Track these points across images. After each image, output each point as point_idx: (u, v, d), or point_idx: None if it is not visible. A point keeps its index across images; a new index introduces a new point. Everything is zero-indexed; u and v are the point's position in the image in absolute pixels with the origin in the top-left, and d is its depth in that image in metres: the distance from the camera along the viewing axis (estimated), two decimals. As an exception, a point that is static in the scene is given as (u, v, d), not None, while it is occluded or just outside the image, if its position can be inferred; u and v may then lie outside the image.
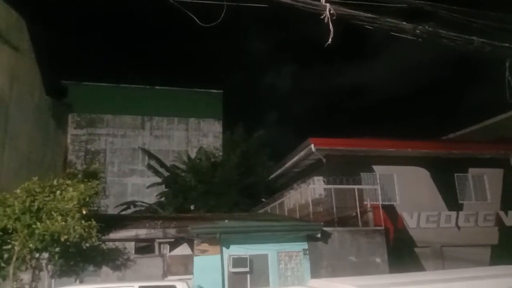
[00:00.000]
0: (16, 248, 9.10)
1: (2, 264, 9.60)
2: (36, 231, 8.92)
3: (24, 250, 9.18)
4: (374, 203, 14.30)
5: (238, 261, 11.58)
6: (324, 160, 15.60)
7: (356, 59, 71.53)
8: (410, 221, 15.50)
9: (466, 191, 16.71)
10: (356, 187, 14.08)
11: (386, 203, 15.22)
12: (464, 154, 16.57)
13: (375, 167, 15.93)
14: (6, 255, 9.47)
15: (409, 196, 15.75)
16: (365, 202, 14.22)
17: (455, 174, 16.69)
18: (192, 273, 11.53)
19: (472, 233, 15.80)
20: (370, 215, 13.89)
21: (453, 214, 16.04)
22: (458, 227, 15.93)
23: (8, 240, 9.19)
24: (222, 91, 31.35)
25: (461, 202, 16.41)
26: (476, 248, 15.13)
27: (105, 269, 11.08)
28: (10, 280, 9.22)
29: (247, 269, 11.58)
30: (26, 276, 9.71)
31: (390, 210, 15.18)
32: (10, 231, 9.08)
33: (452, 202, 16.24)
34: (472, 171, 16.90)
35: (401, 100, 53.92)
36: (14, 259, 9.14)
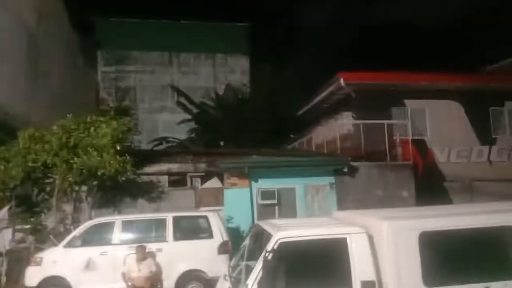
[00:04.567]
0: (57, 182, 9.71)
1: (46, 196, 10.33)
2: (74, 166, 9.44)
3: (65, 183, 9.80)
4: (404, 138, 14.13)
5: (266, 194, 11.94)
6: (353, 95, 15.30)
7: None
8: (440, 156, 15.34)
9: (500, 125, 16.25)
10: (385, 122, 13.87)
11: (417, 137, 15.04)
12: (500, 87, 15.86)
13: (406, 101, 15.55)
14: (48, 188, 10.14)
15: (440, 130, 15.46)
16: (394, 137, 14.07)
17: (490, 108, 16.15)
18: (223, 205, 12.01)
19: (504, 167, 15.50)
20: (399, 150, 13.78)
21: (485, 148, 15.73)
22: (490, 162, 15.67)
23: (49, 174, 9.80)
24: (248, 24, 30.56)
25: (495, 136, 16.03)
26: (507, 183, 14.93)
27: (141, 201, 11.72)
28: (54, 210, 9.94)
29: (275, 201, 11.95)
30: (68, 207, 10.43)
31: (420, 145, 15.00)
32: (50, 165, 9.64)
33: (485, 136, 15.87)
34: (509, 104, 16.29)
35: (438, 32, 50.92)
36: (56, 191, 9.80)
